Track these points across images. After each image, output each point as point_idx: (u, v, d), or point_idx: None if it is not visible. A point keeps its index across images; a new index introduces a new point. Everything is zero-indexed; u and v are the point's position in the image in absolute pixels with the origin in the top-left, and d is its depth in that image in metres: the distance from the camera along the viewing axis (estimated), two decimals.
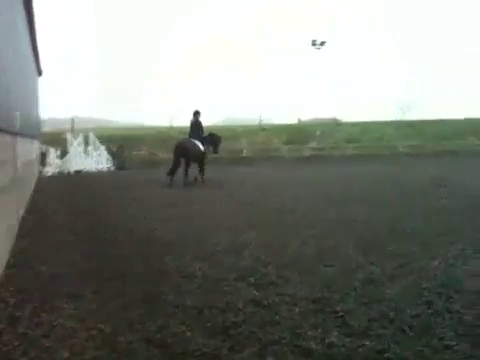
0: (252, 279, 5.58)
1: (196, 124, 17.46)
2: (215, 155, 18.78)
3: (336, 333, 4.05)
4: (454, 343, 3.86)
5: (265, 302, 4.82)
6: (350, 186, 15.45)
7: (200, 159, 17.21)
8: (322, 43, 37.79)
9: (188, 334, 4.11)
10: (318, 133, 32.78)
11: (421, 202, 11.27)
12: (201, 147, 17.20)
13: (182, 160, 16.90)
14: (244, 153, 30.56)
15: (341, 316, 4.43)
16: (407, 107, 68.49)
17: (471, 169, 20.96)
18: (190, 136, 17.48)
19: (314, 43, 37.58)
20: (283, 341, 3.95)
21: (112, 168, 28.71)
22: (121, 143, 30.62)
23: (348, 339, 3.93)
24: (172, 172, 16.85)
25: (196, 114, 17.55)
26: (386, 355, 3.65)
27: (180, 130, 36.13)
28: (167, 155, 29.74)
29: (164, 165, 20.33)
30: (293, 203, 11.80)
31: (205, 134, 17.75)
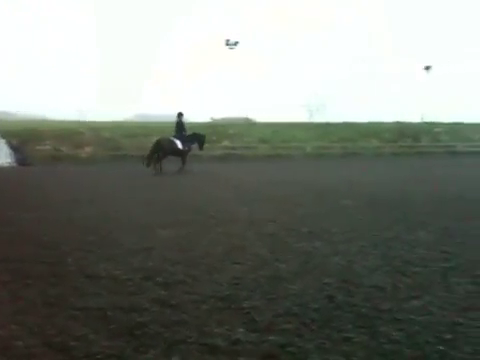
0: (159, 278, 5.50)
1: (179, 124, 20.14)
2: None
3: (242, 329, 4.10)
4: (353, 335, 4.06)
5: (172, 301, 4.77)
6: (260, 186, 15.76)
7: (179, 154, 20.11)
8: (236, 43, 38.27)
9: (91, 337, 3.96)
10: (231, 132, 33.17)
11: (324, 201, 11.75)
12: (179, 145, 19.82)
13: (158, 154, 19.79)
14: None
15: (247, 312, 4.49)
16: (316, 110, 71.43)
17: (373, 170, 22.23)
18: (174, 135, 20.19)
19: (227, 43, 37.97)
20: (189, 340, 3.93)
21: (13, 164, 27.00)
22: (22, 137, 28.86)
23: (253, 335, 3.99)
24: (148, 164, 19.89)
25: (179, 115, 20.18)
26: (289, 349, 3.75)
27: (90, 125, 34.91)
28: (74, 151, 28.60)
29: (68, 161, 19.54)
30: (206, 202, 11.82)
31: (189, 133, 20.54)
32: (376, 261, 6.30)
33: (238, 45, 38.09)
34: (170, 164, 20.46)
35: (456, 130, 38.83)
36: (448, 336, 4.05)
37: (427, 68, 44.00)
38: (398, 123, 40.14)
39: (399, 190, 14.07)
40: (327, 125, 41.03)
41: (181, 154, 20.27)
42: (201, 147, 21.20)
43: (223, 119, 44.96)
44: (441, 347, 3.86)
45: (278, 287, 5.22)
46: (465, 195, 12.75)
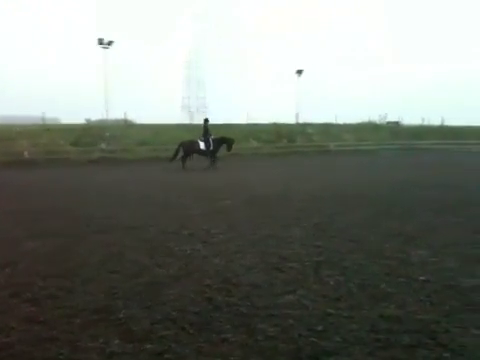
0: (28, 294, 5.11)
1: (205, 128, 23.16)
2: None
3: (118, 341, 3.95)
4: (230, 335, 4.10)
5: (41, 318, 4.46)
6: (141, 189, 15.39)
7: (202, 154, 23.19)
8: (110, 43, 37.04)
9: None
10: (108, 135, 32.03)
11: (204, 202, 11.82)
12: (201, 145, 22.77)
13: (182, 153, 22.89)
14: (26, 155, 28.07)
15: (124, 323, 4.35)
16: (196, 111, 71.93)
17: (252, 170, 22.86)
18: (201, 138, 23.07)
19: (101, 42, 36.64)
20: (61, 357, 3.70)
21: None
22: None
23: (130, 345, 3.87)
24: (171, 160, 22.88)
25: (206, 121, 23.57)
26: (166, 356, 3.69)
27: None
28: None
29: None
30: (81, 209, 11.24)
31: (217, 137, 23.39)
32: (254, 259, 6.47)
33: (112, 45, 36.91)
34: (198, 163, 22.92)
35: (327, 130, 41.45)
36: (320, 327, 4.27)
37: (299, 72, 46.37)
38: (275, 124, 41.79)
39: (276, 188, 14.62)
40: (209, 126, 41.51)
41: (205, 154, 23.18)
42: (229, 149, 24.17)
43: (100, 121, 43.30)
44: (313, 339, 4.06)
45: (156, 293, 5.12)
46: (336, 192, 13.62)
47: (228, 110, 61.93)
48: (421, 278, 5.60)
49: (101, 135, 32.20)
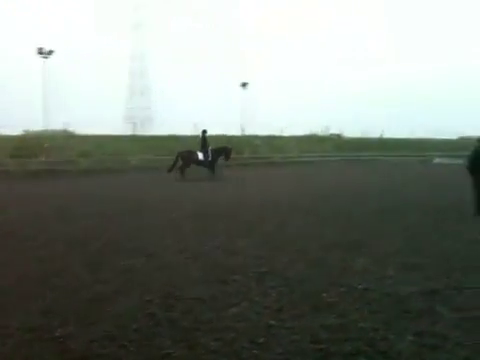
0: None
1: (203, 139, 23.56)
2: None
3: None
4: (172, 351, 4.03)
5: None
6: (83, 202, 14.94)
7: (201, 164, 23.38)
8: (50, 52, 36.03)
9: None
10: (47, 146, 30.98)
11: (151, 215, 11.64)
12: (200, 156, 23.11)
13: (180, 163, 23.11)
14: None
15: (61, 341, 4.18)
16: (141, 121, 70.92)
17: (198, 182, 22.76)
18: (199, 149, 23.37)
19: (41, 51, 35.56)
20: None
21: None
22: None
23: None
24: (169, 170, 22.97)
25: (204, 132, 23.93)
26: None
27: None
28: None
29: None
30: (20, 223, 10.78)
31: (216, 147, 23.77)
32: (198, 273, 6.41)
33: (53, 54, 35.93)
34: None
35: (273, 142, 42.05)
36: (262, 340, 4.28)
37: (244, 85, 46.87)
38: (223, 136, 41.93)
39: (224, 200, 14.62)
40: (152, 138, 41.08)
41: (203, 164, 23.40)
42: (227, 158, 24.39)
43: (39, 132, 41.77)
44: (255, 351, 4.06)
45: (96, 310, 4.97)
46: (281, 203, 13.79)
47: (175, 121, 61.50)
48: (361, 286, 5.74)
49: (40, 146, 31.10)
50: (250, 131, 45.70)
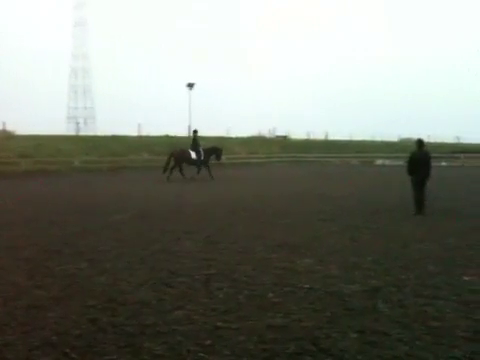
0: None
1: (194, 140, 24.04)
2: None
3: None
4: (115, 357, 3.93)
5: None
6: (19, 206, 14.32)
7: (193, 163, 23.66)
8: None
9: None
10: None
11: (92, 218, 11.34)
12: (193, 155, 23.30)
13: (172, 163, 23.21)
14: None
15: None
16: (83, 122, 69.13)
17: (143, 183, 22.43)
18: (190, 148, 23.71)
19: None
20: None
21: None
22: None
23: None
24: (164, 170, 22.79)
25: (195, 132, 24.59)
26: None
27: None
28: None
29: None
30: None
31: (207, 147, 24.43)
32: (143, 276, 6.29)
33: None
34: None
35: (219, 143, 42.04)
36: (208, 342, 4.25)
37: (190, 85, 46.61)
38: (167, 136, 41.56)
39: (168, 202, 14.48)
40: (95, 138, 40.18)
41: (195, 163, 23.72)
42: (218, 158, 25.13)
43: None
44: (201, 354, 4.02)
45: (35, 317, 4.77)
46: (227, 204, 13.81)
47: (118, 121, 60.38)
48: (306, 286, 5.82)
49: None
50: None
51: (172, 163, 23.34)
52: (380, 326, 4.56)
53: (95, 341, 4.21)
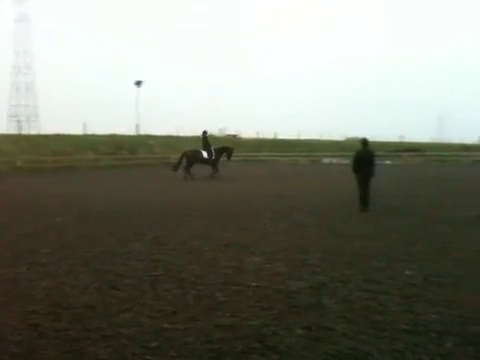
0: None
1: (204, 140, 24.74)
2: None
3: None
4: None
5: None
6: None
7: (205, 162, 24.43)
8: None
9: None
10: None
11: (34, 220, 10.93)
12: (204, 154, 24.05)
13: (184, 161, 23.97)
14: None
15: None
16: (25, 121, 66.67)
17: (88, 183, 21.88)
18: (202, 148, 24.61)
19: None
20: None
21: None
22: None
23: None
24: (175, 169, 23.81)
25: (204, 133, 25.11)
26: None
27: None
28: None
29: None
30: None
31: (218, 147, 25.31)
32: (87, 279, 6.13)
33: None
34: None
35: (169, 142, 41.66)
36: (155, 344, 4.18)
37: (138, 83, 45.88)
38: (114, 135, 40.75)
39: (113, 202, 14.17)
40: (38, 137, 38.87)
41: (207, 163, 24.43)
42: (229, 157, 25.87)
43: None
44: (148, 356, 3.96)
45: None
46: (175, 205, 13.69)
47: (62, 120, 58.70)
48: (254, 284, 5.85)
49: None
50: (145, 131, 44.90)
51: (184, 162, 24.05)
52: (325, 321, 4.64)
53: (36, 347, 4.06)
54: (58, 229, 9.71)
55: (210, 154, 24.42)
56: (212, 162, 24.48)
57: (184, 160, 24.17)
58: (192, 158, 24.32)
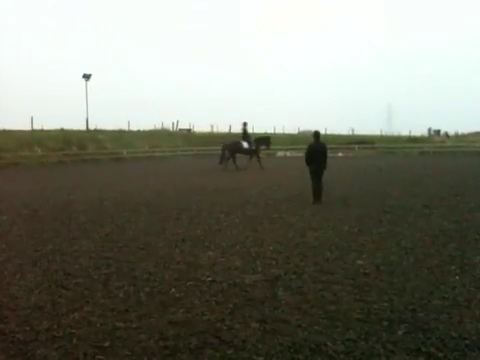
0: None
1: (244, 131, 26.04)
2: None
3: None
4: None
5: None
6: None
7: (246, 152, 25.90)
8: None
9: None
10: None
11: None
12: (245, 145, 25.39)
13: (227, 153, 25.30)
14: None
15: None
16: None
17: (35, 180, 21.15)
18: (242, 139, 25.86)
19: None
20: None
21: None
22: None
23: None
24: (220, 162, 25.29)
25: (244, 124, 26.16)
26: None
27: None
28: None
29: None
30: None
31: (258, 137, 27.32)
32: (35, 279, 5.92)
33: None
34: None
35: (120, 137, 40.84)
36: (107, 343, 4.08)
37: (87, 77, 44.60)
38: (62, 131, 39.57)
39: (62, 200, 13.75)
40: None
41: (248, 152, 25.83)
42: (268, 147, 27.04)
43: None
44: (100, 356, 3.85)
45: None
46: (127, 201, 13.43)
47: (9, 114, 56.46)
48: (209, 279, 5.81)
49: None
50: (95, 126, 43.79)
51: (227, 154, 25.26)
52: (280, 314, 4.66)
53: None
54: (3, 228, 9.32)
55: (250, 144, 25.71)
56: (253, 152, 25.77)
57: (227, 152, 25.37)
58: (233, 149, 25.54)
